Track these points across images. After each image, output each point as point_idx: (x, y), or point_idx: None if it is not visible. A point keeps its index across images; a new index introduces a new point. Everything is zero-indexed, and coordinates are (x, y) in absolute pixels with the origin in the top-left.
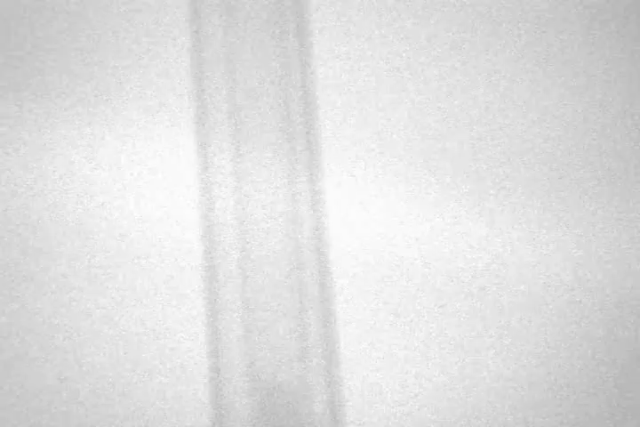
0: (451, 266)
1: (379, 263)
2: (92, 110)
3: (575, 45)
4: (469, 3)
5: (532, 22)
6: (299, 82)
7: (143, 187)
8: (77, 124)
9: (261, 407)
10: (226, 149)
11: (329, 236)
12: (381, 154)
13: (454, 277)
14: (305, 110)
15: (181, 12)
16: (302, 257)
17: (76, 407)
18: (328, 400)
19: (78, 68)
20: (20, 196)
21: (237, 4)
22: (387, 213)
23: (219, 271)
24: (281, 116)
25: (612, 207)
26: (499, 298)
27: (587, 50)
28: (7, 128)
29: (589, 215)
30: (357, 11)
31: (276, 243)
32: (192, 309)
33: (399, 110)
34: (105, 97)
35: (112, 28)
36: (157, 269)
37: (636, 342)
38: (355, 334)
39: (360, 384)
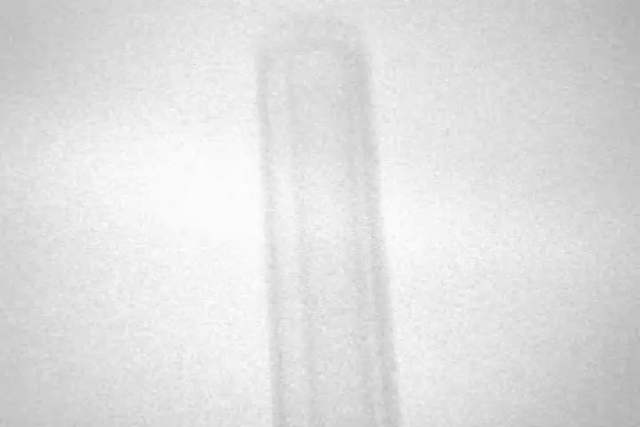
0: (512, 278)
1: (440, 277)
2: (160, 117)
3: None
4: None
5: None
6: (358, 93)
7: (207, 198)
8: (150, 134)
9: None
10: (288, 161)
11: (388, 247)
12: (439, 164)
13: (517, 291)
14: (364, 123)
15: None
16: (363, 268)
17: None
18: None
19: (144, 80)
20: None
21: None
22: (445, 223)
23: (279, 279)
24: (341, 128)
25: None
26: (564, 304)
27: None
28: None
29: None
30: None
31: (336, 257)
32: (254, 325)
33: (457, 122)
34: (174, 111)
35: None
36: (218, 282)
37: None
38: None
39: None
